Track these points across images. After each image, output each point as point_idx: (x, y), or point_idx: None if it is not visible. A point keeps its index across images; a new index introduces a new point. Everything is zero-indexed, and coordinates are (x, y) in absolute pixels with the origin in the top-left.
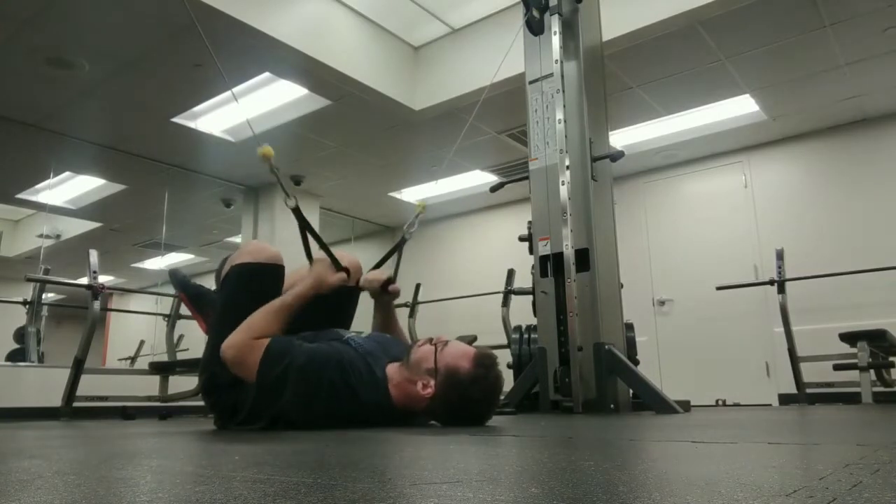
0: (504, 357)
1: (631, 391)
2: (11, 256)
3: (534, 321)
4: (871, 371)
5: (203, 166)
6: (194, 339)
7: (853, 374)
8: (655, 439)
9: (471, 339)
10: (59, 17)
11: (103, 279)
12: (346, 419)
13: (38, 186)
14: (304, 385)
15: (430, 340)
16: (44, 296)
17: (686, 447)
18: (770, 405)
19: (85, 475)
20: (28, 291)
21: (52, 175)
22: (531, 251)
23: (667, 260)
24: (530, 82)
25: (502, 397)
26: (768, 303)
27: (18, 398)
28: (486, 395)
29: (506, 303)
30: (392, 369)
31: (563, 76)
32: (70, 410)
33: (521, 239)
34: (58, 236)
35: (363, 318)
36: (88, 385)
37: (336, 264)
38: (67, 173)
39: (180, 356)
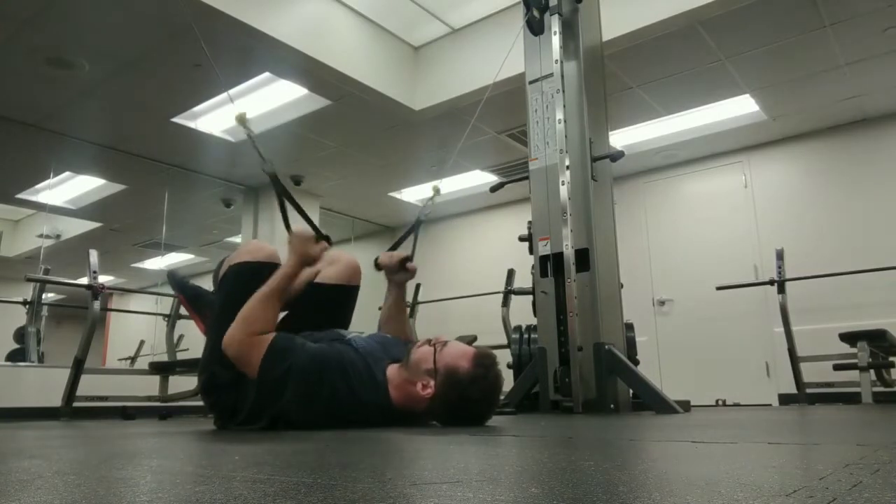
0: (504, 357)
1: (631, 391)
2: (11, 256)
3: (534, 321)
4: (871, 371)
5: (203, 166)
6: (194, 339)
7: (853, 374)
8: (655, 439)
9: (471, 339)
10: (59, 17)
11: (103, 279)
12: (345, 420)
13: (38, 186)
14: (304, 386)
15: (430, 341)
16: (44, 296)
17: (686, 447)
18: (770, 405)
19: (85, 475)
20: (28, 291)
21: (52, 175)
22: (531, 251)
23: (667, 260)
24: (530, 82)
25: (502, 397)
26: (768, 303)
27: (18, 398)
28: (485, 394)
29: (506, 303)
30: (392, 370)
31: (563, 76)
32: (70, 410)
33: (521, 239)
34: (58, 236)
35: (364, 318)
36: (88, 385)
37: (317, 233)
38: (67, 173)
39: (180, 356)
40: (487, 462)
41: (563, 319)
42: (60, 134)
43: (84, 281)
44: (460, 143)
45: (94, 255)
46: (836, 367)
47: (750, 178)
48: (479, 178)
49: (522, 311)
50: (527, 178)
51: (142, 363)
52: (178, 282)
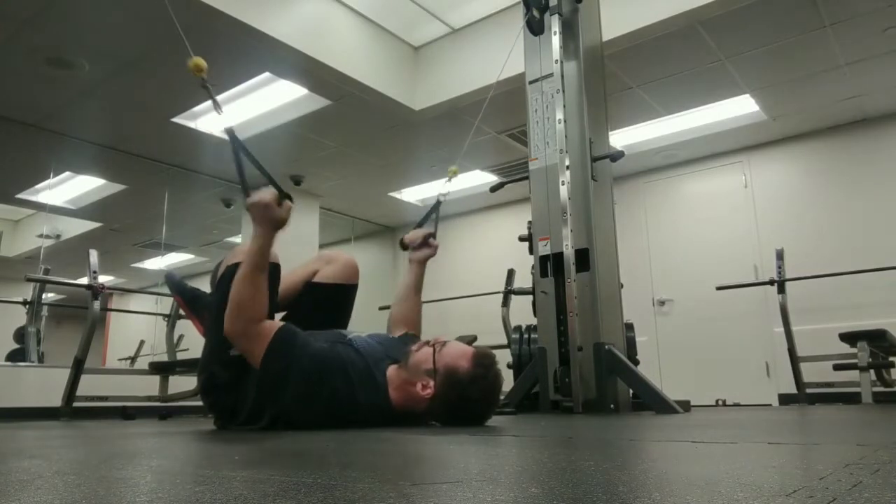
0: (504, 357)
1: (631, 391)
2: (11, 256)
3: (534, 321)
4: (871, 371)
5: (203, 166)
6: (194, 339)
7: (853, 374)
8: (655, 439)
9: (471, 340)
10: (59, 17)
11: (103, 279)
12: (345, 420)
13: (38, 186)
14: (305, 386)
15: (429, 342)
16: (44, 296)
17: (686, 447)
18: (770, 405)
19: (85, 475)
20: (28, 291)
21: (52, 175)
22: (531, 251)
23: (667, 260)
24: (530, 82)
25: (502, 397)
26: (768, 303)
27: (18, 398)
28: (485, 394)
29: (506, 303)
30: (392, 371)
31: (563, 76)
32: (70, 410)
33: (521, 239)
34: (58, 236)
35: (364, 317)
36: (88, 385)
37: (279, 192)
38: (67, 173)
39: (180, 356)
40: (487, 462)
41: (563, 319)
42: (60, 134)
43: (84, 281)
44: (467, 143)
45: (94, 255)
46: (836, 367)
47: (750, 178)
48: (479, 178)
49: (522, 311)
50: (527, 178)
51: (142, 363)
52: (176, 284)
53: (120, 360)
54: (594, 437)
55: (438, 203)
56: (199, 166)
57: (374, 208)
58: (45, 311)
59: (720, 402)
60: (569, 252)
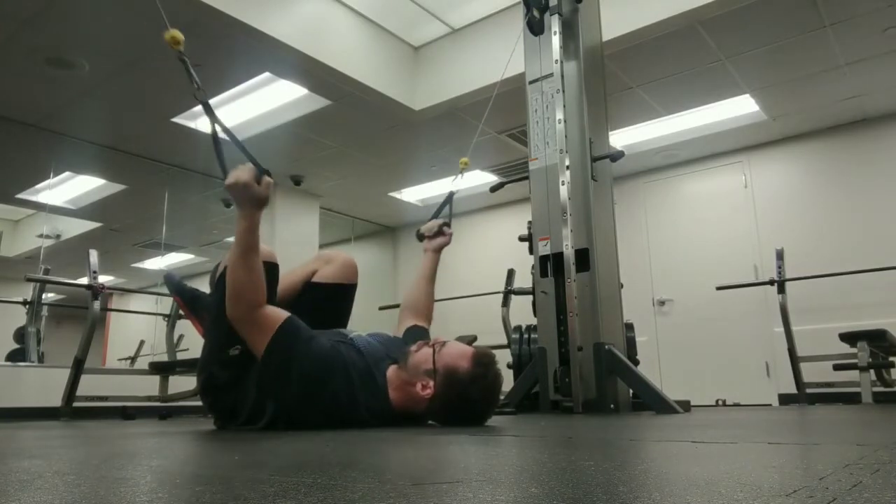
0: (504, 357)
1: (631, 391)
2: (11, 256)
3: (534, 321)
4: (871, 371)
5: (203, 166)
6: (194, 339)
7: (853, 374)
8: (655, 439)
9: (471, 340)
10: (59, 17)
11: (103, 279)
12: (345, 421)
13: (38, 186)
14: (306, 384)
15: (428, 342)
16: (44, 296)
17: (686, 447)
18: (770, 405)
19: (85, 475)
20: (28, 291)
21: (52, 175)
22: (531, 251)
23: (667, 260)
24: (530, 82)
25: (502, 397)
26: (768, 303)
27: (18, 398)
28: (485, 393)
29: (506, 303)
30: (392, 372)
31: (563, 76)
32: (70, 410)
33: (521, 239)
34: (58, 236)
35: (364, 317)
36: (88, 385)
37: (258, 168)
38: (67, 173)
39: (180, 356)
40: (487, 462)
41: (563, 319)
42: (60, 134)
43: (84, 281)
44: (473, 142)
45: (94, 255)
46: (836, 367)
47: (750, 178)
48: (479, 178)
49: (522, 311)
50: (527, 178)
51: (142, 363)
52: (175, 284)
53: (120, 360)
54: (594, 437)
55: (451, 195)
56: (199, 166)
57: (374, 208)
58: (45, 311)
59: (720, 402)
60: (569, 252)
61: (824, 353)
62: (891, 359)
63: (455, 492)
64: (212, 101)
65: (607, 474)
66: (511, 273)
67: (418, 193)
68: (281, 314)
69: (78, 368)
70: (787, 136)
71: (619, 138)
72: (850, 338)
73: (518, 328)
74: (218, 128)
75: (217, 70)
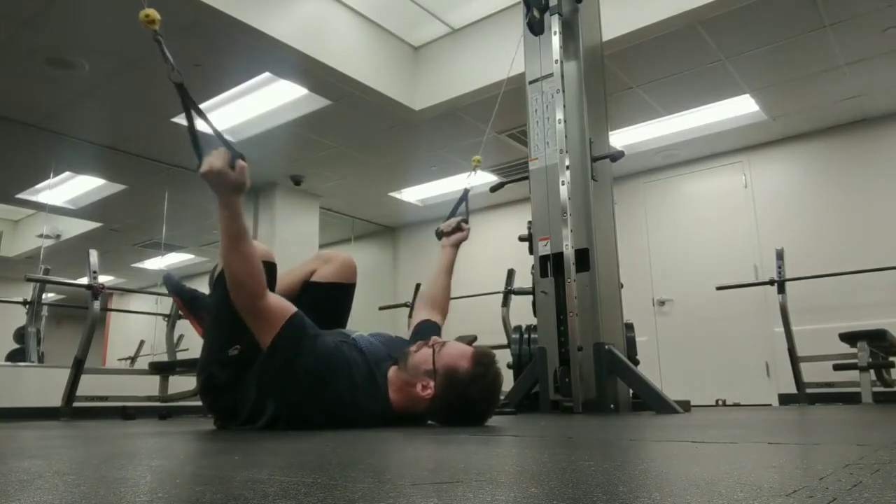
0: (504, 357)
1: (631, 391)
2: (11, 256)
3: (534, 321)
4: (871, 371)
5: None
6: (194, 339)
7: (853, 374)
8: (655, 439)
9: (471, 340)
10: (59, 17)
11: (103, 279)
12: (344, 422)
13: (38, 186)
14: (309, 383)
15: (428, 343)
16: (44, 296)
17: (686, 447)
18: (770, 405)
19: (85, 475)
20: (28, 291)
21: (52, 175)
22: (531, 251)
23: (667, 260)
24: (530, 82)
25: (502, 397)
26: (768, 303)
27: (18, 398)
28: (485, 393)
29: (506, 303)
30: (392, 373)
31: (563, 76)
32: (70, 410)
33: (521, 239)
34: (58, 236)
35: (363, 317)
36: (88, 385)
37: (232, 152)
38: (67, 173)
39: (180, 356)
40: (487, 462)
41: (563, 319)
42: (60, 134)
43: (84, 281)
44: (484, 140)
45: (94, 255)
46: (836, 367)
47: (750, 178)
48: (479, 178)
49: (522, 311)
50: (527, 178)
51: (142, 363)
52: (175, 285)
53: (120, 360)
54: (594, 437)
55: (466, 192)
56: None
57: (374, 208)
58: (45, 311)
59: (720, 402)
60: (569, 252)
61: (824, 353)
62: (891, 359)
63: (455, 492)
64: (212, 101)
65: (607, 474)
66: (511, 273)
67: (418, 193)
68: (288, 308)
69: (78, 368)
70: (787, 136)
71: (619, 138)
72: (850, 338)
73: (518, 328)
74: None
75: (217, 70)
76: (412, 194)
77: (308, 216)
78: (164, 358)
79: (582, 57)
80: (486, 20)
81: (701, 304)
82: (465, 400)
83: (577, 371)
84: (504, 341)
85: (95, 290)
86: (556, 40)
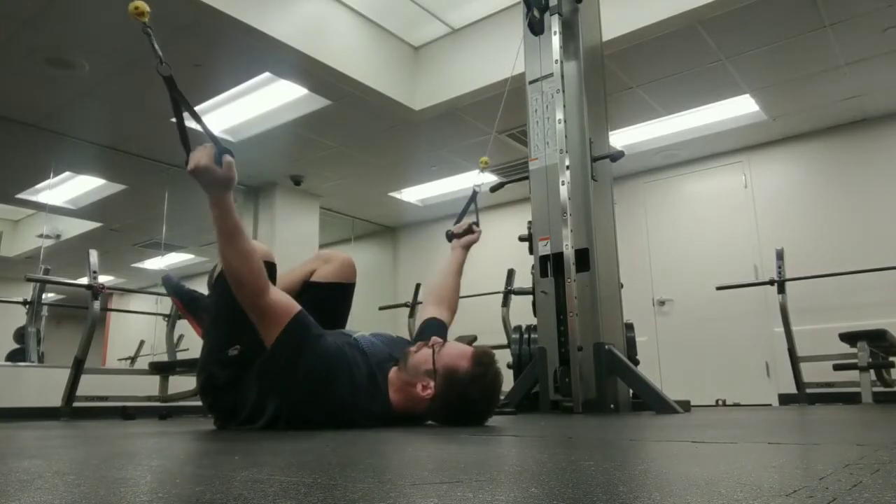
0: (504, 357)
1: (631, 391)
2: (11, 256)
3: (534, 321)
4: (871, 371)
5: None
6: (194, 339)
7: (853, 374)
8: (655, 439)
9: (470, 340)
10: (59, 17)
11: (103, 279)
12: (345, 423)
13: (38, 186)
14: (311, 383)
15: (427, 343)
16: (44, 296)
17: (686, 447)
18: (770, 405)
19: (85, 475)
20: (28, 291)
21: (52, 175)
22: (531, 251)
23: (667, 260)
24: (530, 82)
25: (502, 397)
26: (768, 303)
27: (18, 398)
28: (485, 393)
29: (506, 303)
30: (393, 373)
31: (563, 76)
32: (70, 410)
33: (521, 239)
34: (58, 236)
35: (363, 317)
36: (88, 385)
37: (218, 146)
38: (67, 173)
39: (180, 356)
40: (487, 462)
41: (563, 319)
42: (60, 134)
43: (84, 281)
44: (491, 139)
45: (94, 255)
46: (836, 367)
47: (750, 178)
48: (479, 178)
49: (522, 311)
50: (527, 178)
51: (142, 363)
52: (174, 286)
53: (120, 360)
54: (594, 437)
55: (475, 193)
56: None
57: (374, 208)
58: (45, 311)
59: (720, 402)
60: (569, 252)
61: (824, 353)
62: (891, 359)
63: (455, 492)
64: (212, 101)
65: (607, 474)
66: (511, 273)
67: (418, 193)
68: (292, 306)
69: (78, 368)
70: (787, 136)
71: (619, 138)
72: (850, 338)
73: (518, 328)
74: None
75: (217, 70)
76: (412, 194)
77: (308, 216)
78: (164, 358)
79: (582, 57)
80: (486, 20)
81: (701, 304)
82: (465, 400)
83: (577, 371)
84: (504, 341)
85: (95, 290)
86: (556, 40)
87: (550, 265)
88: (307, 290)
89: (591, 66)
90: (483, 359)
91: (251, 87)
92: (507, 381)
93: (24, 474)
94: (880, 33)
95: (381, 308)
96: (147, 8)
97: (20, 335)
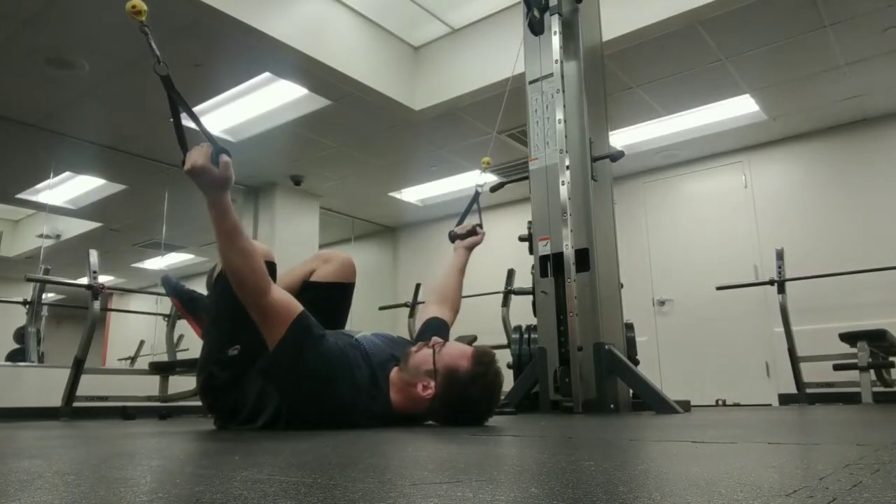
0: (504, 357)
1: (631, 391)
2: (11, 256)
3: (534, 321)
4: (871, 371)
5: None
6: (194, 339)
7: (853, 374)
8: (655, 439)
9: (471, 340)
10: (59, 17)
11: (103, 279)
12: (345, 423)
13: (38, 186)
14: (313, 384)
15: (428, 343)
16: (44, 296)
17: (686, 447)
18: (770, 405)
19: (85, 475)
20: (28, 291)
21: (52, 175)
22: (531, 251)
23: (667, 260)
24: (530, 82)
25: (502, 397)
26: (768, 303)
27: (18, 398)
28: (486, 392)
29: (506, 303)
30: (394, 373)
31: (563, 76)
32: (70, 410)
33: (521, 239)
34: (58, 236)
35: (363, 317)
36: (88, 385)
37: (214, 146)
38: (67, 173)
39: (180, 356)
40: (487, 462)
41: (563, 319)
42: (60, 134)
43: (84, 281)
44: (491, 140)
45: (94, 255)
46: (836, 367)
47: (750, 178)
48: (479, 179)
49: (522, 311)
50: (527, 178)
51: (142, 363)
52: (173, 286)
53: (120, 360)
54: (594, 437)
55: (477, 194)
56: None
57: (374, 208)
58: (45, 311)
59: (720, 402)
60: (569, 252)
61: (824, 353)
62: (891, 359)
63: (455, 492)
64: (212, 101)
65: (607, 474)
66: (511, 273)
67: (418, 193)
68: (295, 306)
69: (78, 368)
70: (787, 136)
71: (619, 138)
72: (850, 338)
73: (518, 328)
74: (177, 111)
75: (217, 70)
76: (412, 194)
77: (308, 216)
78: (164, 358)
79: (582, 57)
80: (486, 20)
81: (701, 304)
82: (465, 399)
83: (577, 371)
84: (504, 341)
85: (95, 290)
86: (556, 40)
87: (550, 265)
88: (307, 290)
89: (591, 66)
90: (483, 358)
91: (251, 87)
92: (507, 381)
93: (24, 474)
94: (880, 33)
95: (381, 308)
96: (144, 7)
97: (20, 335)
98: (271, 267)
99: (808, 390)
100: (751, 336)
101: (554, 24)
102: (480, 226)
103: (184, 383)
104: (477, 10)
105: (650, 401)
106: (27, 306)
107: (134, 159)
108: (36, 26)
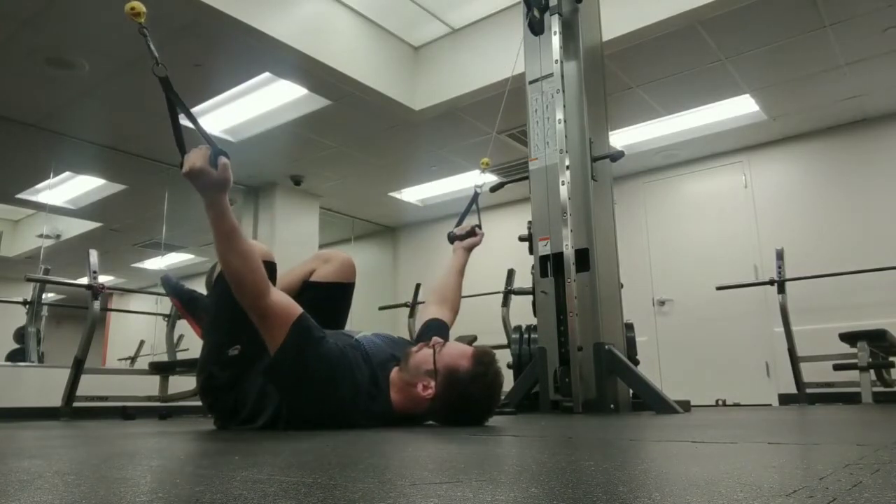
0: (504, 357)
1: (631, 391)
2: (11, 256)
3: (534, 321)
4: (871, 371)
5: None
6: (194, 339)
7: (853, 374)
8: (655, 439)
9: (471, 340)
10: (59, 17)
11: (103, 279)
12: (345, 423)
13: (38, 186)
14: (314, 386)
15: (428, 343)
16: (44, 296)
17: (686, 447)
18: (770, 405)
19: (85, 475)
20: (28, 291)
21: (52, 175)
22: (531, 251)
23: (667, 260)
24: (530, 82)
25: (502, 397)
26: (768, 303)
27: (18, 398)
28: (486, 392)
29: (506, 303)
30: (394, 373)
31: (563, 76)
32: (70, 410)
33: (521, 239)
34: (58, 236)
35: (363, 317)
36: (88, 385)
37: (213, 148)
38: (67, 173)
39: (180, 356)
40: (487, 462)
41: (563, 319)
42: (60, 134)
43: (84, 281)
44: (491, 140)
45: (94, 255)
46: (836, 367)
47: (750, 178)
48: (479, 178)
49: (522, 311)
50: (527, 178)
51: (142, 363)
52: (173, 287)
53: (120, 360)
54: (594, 437)
55: (476, 194)
56: None
57: (374, 208)
58: (45, 311)
59: (720, 402)
60: (569, 252)
61: (824, 353)
62: (891, 359)
63: (455, 492)
64: (212, 101)
65: (607, 474)
66: (511, 273)
67: (418, 193)
68: (294, 308)
69: (78, 368)
70: (787, 136)
71: (619, 138)
72: (850, 338)
73: (518, 328)
74: (176, 113)
75: (217, 70)
76: (412, 194)
77: (308, 216)
78: (164, 358)
79: (582, 57)
80: (486, 20)
81: (701, 304)
82: (465, 399)
83: (577, 371)
84: (504, 341)
85: (95, 290)
86: (556, 40)
87: (550, 265)
88: (307, 290)
89: (591, 66)
90: (483, 358)
91: (251, 87)
92: (507, 381)
93: (24, 474)
94: (880, 33)
95: (381, 308)
96: (143, 8)
97: (20, 335)
98: (271, 267)
99: (808, 390)
100: (751, 336)
101: (554, 24)
102: (479, 226)
103: (184, 383)
104: (477, 10)
105: (650, 401)
106: (27, 306)
107: (134, 159)
108: (36, 26)
